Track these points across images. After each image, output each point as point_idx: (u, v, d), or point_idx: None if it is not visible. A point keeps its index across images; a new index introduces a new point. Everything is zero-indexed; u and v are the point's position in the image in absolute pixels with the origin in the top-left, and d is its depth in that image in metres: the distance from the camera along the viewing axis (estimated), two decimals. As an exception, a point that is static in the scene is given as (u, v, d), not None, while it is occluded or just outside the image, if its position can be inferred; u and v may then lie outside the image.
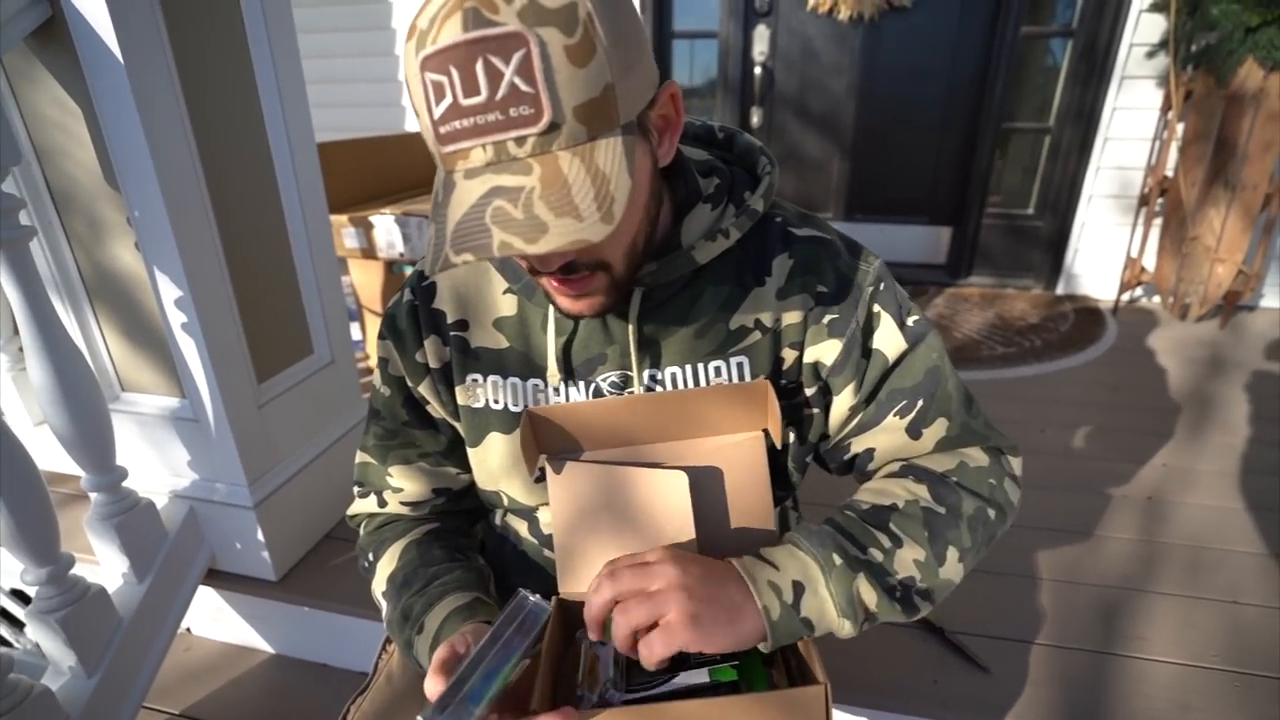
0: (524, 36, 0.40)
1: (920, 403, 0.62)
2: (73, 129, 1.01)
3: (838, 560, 0.54)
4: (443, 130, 0.43)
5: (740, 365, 0.62)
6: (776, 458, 0.65)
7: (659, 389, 0.62)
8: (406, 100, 3.14)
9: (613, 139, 0.44)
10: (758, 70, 2.86)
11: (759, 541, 0.59)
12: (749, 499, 0.60)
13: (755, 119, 2.96)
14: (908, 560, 0.56)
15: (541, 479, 0.64)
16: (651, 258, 0.57)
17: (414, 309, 0.66)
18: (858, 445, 0.65)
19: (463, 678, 0.47)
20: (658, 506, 0.58)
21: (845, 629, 0.53)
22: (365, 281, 2.01)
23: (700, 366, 0.62)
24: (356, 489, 0.74)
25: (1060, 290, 2.91)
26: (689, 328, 0.61)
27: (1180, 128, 2.42)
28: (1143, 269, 2.60)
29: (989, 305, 2.79)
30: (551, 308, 0.61)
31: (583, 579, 0.60)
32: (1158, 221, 2.61)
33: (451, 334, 0.65)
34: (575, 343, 0.62)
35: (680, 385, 0.62)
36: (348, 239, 1.89)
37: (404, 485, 0.71)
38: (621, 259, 0.53)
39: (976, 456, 0.63)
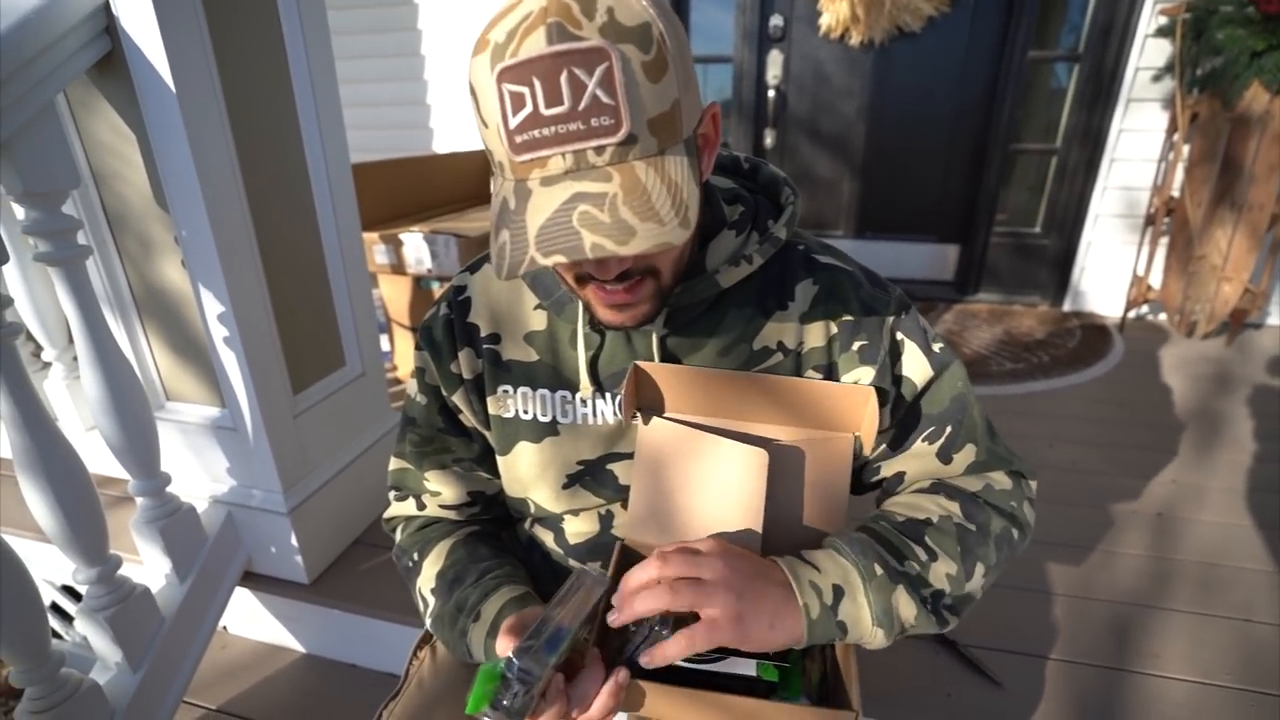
0: (607, 51, 0.41)
1: (949, 429, 0.62)
2: (127, 154, 1.04)
3: (878, 570, 0.54)
4: (519, 139, 0.43)
5: None
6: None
7: None
8: (434, 122, 3.18)
9: (678, 153, 0.46)
10: (771, 93, 2.87)
11: (831, 529, 0.59)
12: (825, 496, 0.59)
13: (769, 140, 2.97)
14: (941, 574, 0.56)
15: (570, 485, 0.65)
16: (664, 304, 0.58)
17: (450, 322, 0.67)
18: (888, 469, 0.65)
19: (536, 633, 0.49)
20: (734, 479, 0.58)
21: (878, 638, 0.53)
22: (394, 296, 2.04)
23: None
24: (393, 494, 0.75)
25: (1067, 307, 2.88)
26: (712, 348, 0.61)
27: (1186, 149, 2.40)
28: (1149, 287, 2.56)
29: (997, 321, 2.76)
30: (581, 323, 0.62)
31: (650, 532, 0.61)
32: (1164, 240, 2.58)
33: (485, 347, 0.65)
34: (602, 358, 0.63)
35: None
36: (378, 255, 1.92)
37: (441, 489, 0.71)
38: (670, 268, 0.54)
39: (1001, 479, 0.63)
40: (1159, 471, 1.66)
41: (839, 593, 0.52)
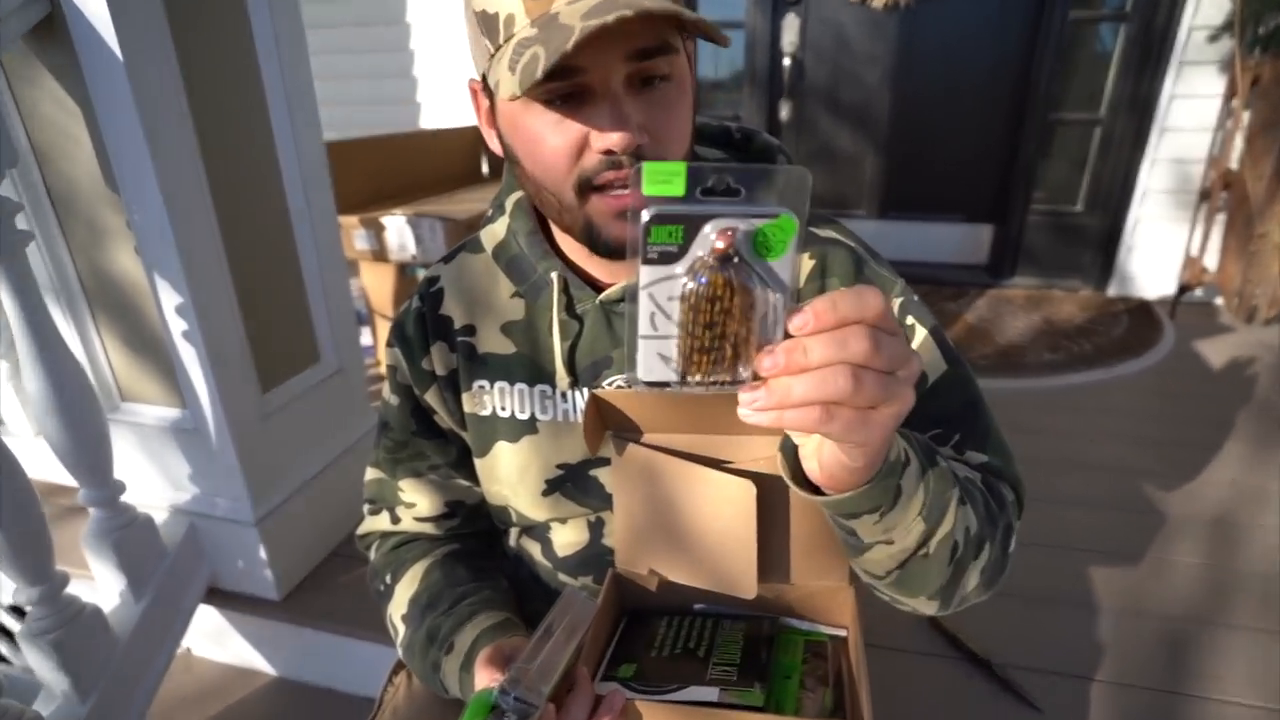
0: None
1: (958, 436, 0.58)
2: (71, 129, 1.01)
3: (940, 463, 0.47)
4: None
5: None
6: None
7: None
8: (421, 95, 3.15)
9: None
10: (786, 61, 2.82)
11: (828, 562, 0.59)
12: (820, 515, 0.56)
13: (784, 113, 2.92)
14: (966, 522, 0.49)
15: (550, 492, 0.64)
16: None
17: (422, 316, 0.66)
18: None
19: (528, 660, 0.47)
20: (721, 512, 0.58)
21: (908, 537, 0.45)
22: (376, 285, 2.01)
23: None
24: (367, 506, 0.74)
25: (1112, 292, 2.82)
26: None
27: (1246, 116, 2.33)
28: (1204, 269, 2.50)
29: (1034, 308, 2.71)
30: (556, 308, 0.60)
31: (640, 560, 0.61)
32: (1220, 218, 2.51)
33: (459, 339, 0.64)
34: (581, 345, 0.61)
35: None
36: (358, 241, 1.89)
37: (416, 500, 0.70)
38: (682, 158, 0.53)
39: (1007, 492, 0.58)
40: (1216, 472, 1.61)
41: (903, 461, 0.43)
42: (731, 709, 0.51)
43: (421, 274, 1.94)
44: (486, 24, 0.49)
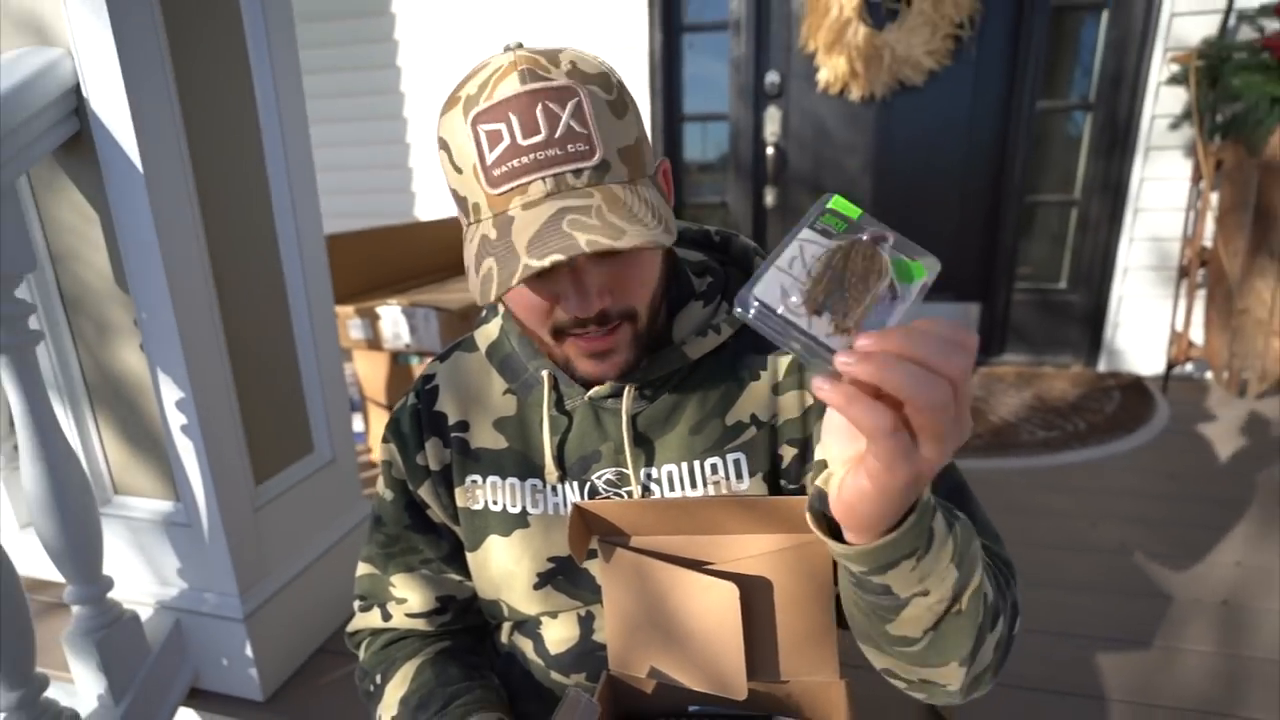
0: (574, 89, 0.49)
1: None
2: (88, 234, 1.08)
3: (961, 516, 0.49)
4: (498, 171, 0.49)
5: (737, 462, 0.63)
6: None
7: (655, 488, 0.64)
8: (416, 185, 3.31)
9: (647, 185, 0.54)
10: (770, 150, 3.00)
11: (817, 656, 0.60)
12: (807, 611, 0.60)
13: (769, 199, 3.08)
14: (984, 590, 0.51)
15: (543, 585, 0.66)
16: (644, 354, 0.60)
17: (417, 412, 0.69)
18: None
19: None
20: (708, 615, 0.60)
21: (943, 587, 0.45)
22: (370, 373, 2.06)
23: (696, 464, 0.63)
24: (358, 603, 0.75)
25: (1102, 367, 2.90)
26: (684, 424, 0.63)
27: (1214, 197, 2.48)
28: (1190, 343, 2.59)
29: (1026, 385, 2.78)
30: (546, 404, 0.64)
31: (634, 661, 0.63)
32: (1202, 293, 2.62)
33: (453, 435, 0.68)
34: (570, 439, 0.65)
35: (677, 483, 0.63)
36: (353, 330, 1.96)
37: (408, 595, 0.72)
38: (646, 310, 0.58)
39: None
40: (1221, 553, 1.63)
41: (935, 513, 0.45)
42: None
43: (415, 362, 2.00)
44: (459, 201, 0.55)
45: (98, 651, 1.07)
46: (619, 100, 0.52)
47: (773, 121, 2.96)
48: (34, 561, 1.30)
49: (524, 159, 0.48)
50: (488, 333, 0.69)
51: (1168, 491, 1.92)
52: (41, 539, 1.00)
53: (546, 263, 0.46)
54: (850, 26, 2.72)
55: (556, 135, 0.48)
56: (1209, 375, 2.76)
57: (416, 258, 2.41)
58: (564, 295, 0.53)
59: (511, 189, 0.49)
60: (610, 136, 0.50)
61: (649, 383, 0.62)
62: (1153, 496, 1.90)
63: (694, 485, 0.63)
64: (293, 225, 1.29)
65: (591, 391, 0.63)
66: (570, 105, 0.49)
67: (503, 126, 0.48)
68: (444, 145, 0.52)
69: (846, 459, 0.41)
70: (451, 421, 0.68)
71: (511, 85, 0.49)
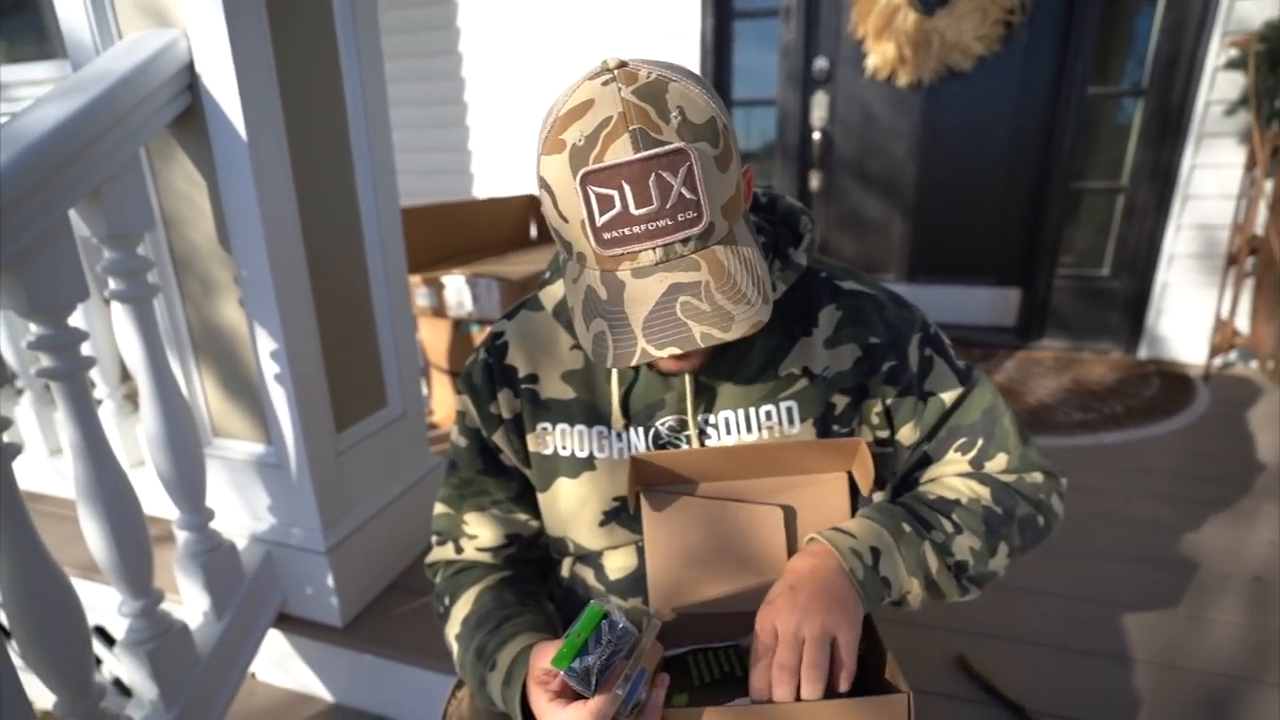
0: (687, 152, 0.48)
1: (980, 441, 0.69)
2: (197, 200, 1.16)
3: (905, 528, 0.64)
4: (608, 236, 0.49)
5: (790, 409, 0.67)
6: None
7: (713, 432, 0.68)
8: (475, 168, 3.37)
9: (742, 228, 0.54)
10: (816, 135, 2.97)
11: None
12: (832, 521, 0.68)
13: (814, 183, 3.05)
14: (964, 546, 0.65)
15: (607, 522, 0.70)
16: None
17: (488, 366, 0.74)
18: (925, 478, 0.73)
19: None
20: (753, 540, 0.65)
21: (914, 587, 0.63)
22: (433, 339, 2.14)
23: (752, 410, 0.67)
24: (435, 538, 0.81)
25: (1143, 354, 2.82)
26: (741, 374, 0.68)
27: (1269, 185, 2.38)
28: (1235, 332, 2.50)
29: (1064, 370, 2.72)
30: None
31: (677, 599, 0.66)
32: (1248, 282, 2.53)
33: (523, 387, 0.72)
34: (635, 390, 0.68)
35: (733, 428, 0.67)
36: (420, 298, 2.03)
37: (479, 532, 0.77)
38: None
39: (1033, 476, 0.70)
40: (1256, 531, 1.60)
41: (875, 553, 0.62)
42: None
43: (475, 329, 2.07)
44: (558, 237, 0.55)
45: (202, 573, 1.16)
46: (725, 151, 0.51)
47: (820, 107, 2.93)
48: (146, 498, 1.41)
49: (636, 229, 0.48)
50: (553, 293, 0.72)
51: (1204, 473, 1.88)
52: (158, 471, 1.09)
53: (664, 354, 0.49)
54: (900, 12, 2.67)
55: (668, 205, 0.48)
56: (1253, 365, 2.66)
57: (479, 232, 2.48)
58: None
59: (622, 254, 0.50)
60: (715, 195, 0.50)
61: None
62: (1188, 477, 1.86)
63: (749, 430, 0.67)
64: (372, 196, 1.35)
65: None
66: (682, 172, 0.48)
67: (615, 194, 0.48)
68: (546, 187, 0.52)
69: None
70: (522, 374, 0.72)
71: (624, 150, 0.47)
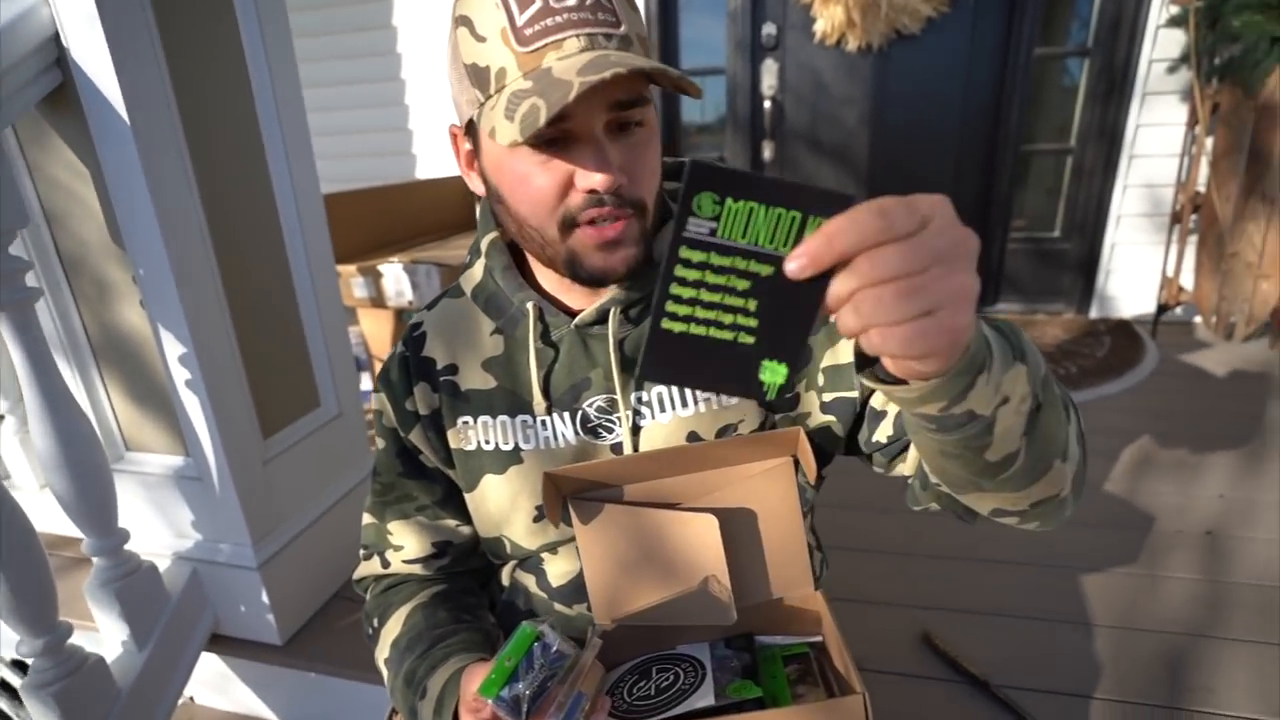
0: None
1: None
2: (81, 192, 1.04)
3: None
4: (530, 30, 0.49)
5: None
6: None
7: (646, 411, 0.63)
8: (416, 148, 3.23)
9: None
10: (767, 104, 2.90)
11: (795, 573, 0.61)
12: (781, 529, 0.62)
13: (767, 153, 3.00)
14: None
15: (541, 517, 0.65)
16: (648, 259, 0.59)
17: (405, 360, 0.69)
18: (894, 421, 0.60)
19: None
20: (689, 549, 0.60)
21: (1020, 381, 0.42)
22: (375, 331, 2.04)
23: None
24: (362, 552, 0.76)
25: (1094, 314, 2.86)
26: None
27: (1209, 142, 2.40)
28: (1180, 288, 2.54)
29: (1020, 332, 2.74)
30: (532, 337, 0.63)
31: (619, 612, 0.63)
32: (1192, 239, 2.56)
33: (441, 379, 0.67)
34: (557, 370, 0.64)
35: (668, 405, 0.63)
36: (356, 289, 1.93)
37: (404, 542, 0.72)
38: (650, 208, 0.57)
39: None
40: (1205, 486, 1.62)
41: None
42: (733, 710, 0.52)
43: (419, 318, 1.97)
44: (477, 76, 0.52)
45: (117, 600, 1.06)
46: None
47: (770, 74, 2.86)
48: (56, 519, 1.30)
49: (558, 18, 0.49)
50: (471, 276, 0.68)
51: (1154, 429, 1.90)
52: (55, 494, 0.98)
53: (608, 74, 0.45)
54: (846, -26, 2.60)
55: (588, 3, 0.49)
56: (1198, 320, 2.72)
57: (417, 216, 2.36)
58: (583, 164, 0.52)
59: (546, 44, 0.49)
60: (631, 19, 0.52)
61: (632, 303, 0.62)
62: (1140, 435, 1.88)
63: (685, 405, 0.63)
64: (289, 181, 1.25)
65: (578, 319, 0.62)
66: None
67: None
68: (463, 21, 0.52)
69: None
70: (440, 365, 0.67)
71: None
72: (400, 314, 1.99)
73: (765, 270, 0.33)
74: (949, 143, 2.87)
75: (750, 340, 0.34)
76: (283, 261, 1.28)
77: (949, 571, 1.37)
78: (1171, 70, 2.44)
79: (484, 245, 0.66)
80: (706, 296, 0.33)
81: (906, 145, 2.90)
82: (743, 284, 0.33)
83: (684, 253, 0.33)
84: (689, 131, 3.14)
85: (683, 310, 0.34)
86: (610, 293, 0.61)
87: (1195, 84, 2.30)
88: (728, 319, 0.34)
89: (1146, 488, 1.63)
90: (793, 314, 0.34)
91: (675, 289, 0.33)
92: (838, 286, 0.32)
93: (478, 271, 0.67)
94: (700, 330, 0.34)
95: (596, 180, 0.51)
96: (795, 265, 0.32)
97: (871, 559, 1.43)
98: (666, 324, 0.34)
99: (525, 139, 0.48)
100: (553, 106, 0.46)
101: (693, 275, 0.33)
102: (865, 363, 0.41)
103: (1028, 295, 2.97)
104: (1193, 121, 2.39)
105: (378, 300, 1.94)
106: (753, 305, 0.34)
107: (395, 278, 1.90)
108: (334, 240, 1.40)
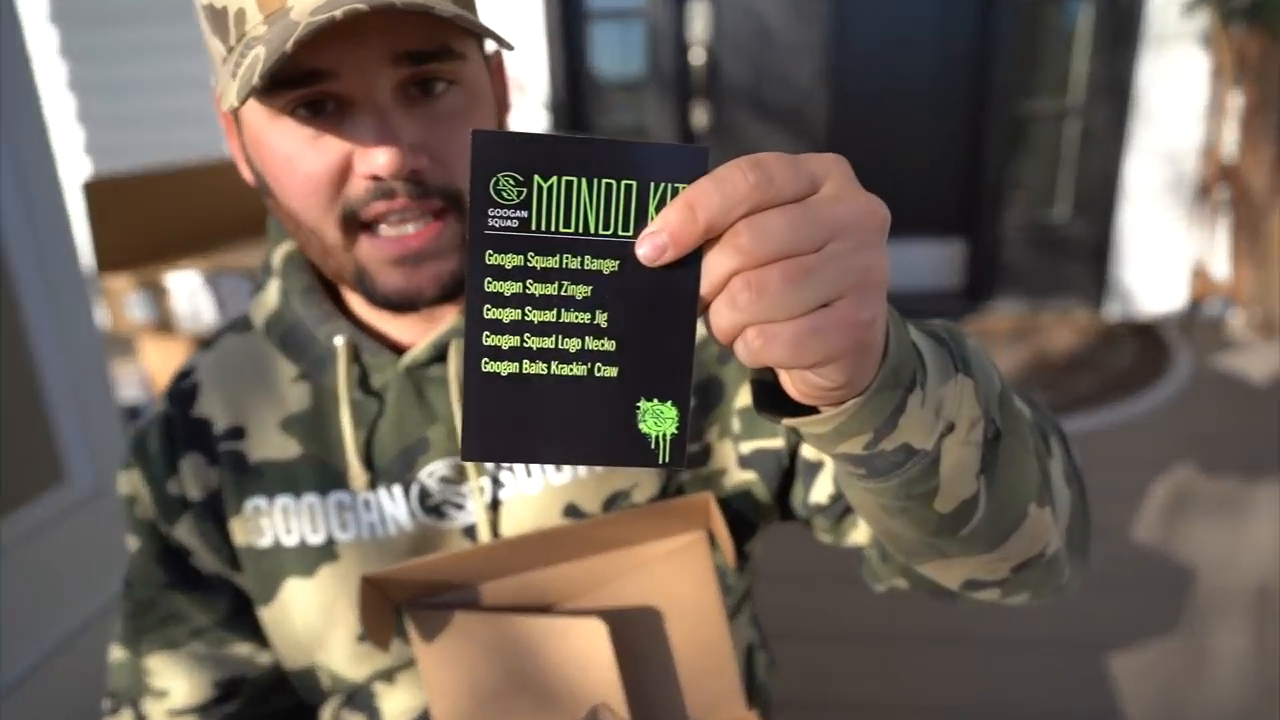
0: None
1: None
2: None
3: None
4: None
5: None
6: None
7: (507, 479, 0.63)
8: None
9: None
10: (698, 56, 2.95)
11: (719, 688, 0.61)
12: (697, 630, 0.61)
13: (700, 118, 3.04)
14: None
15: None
16: (438, 300, 0.58)
17: (168, 422, 0.65)
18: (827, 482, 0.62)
19: None
20: (571, 668, 0.60)
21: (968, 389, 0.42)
22: (165, 367, 1.94)
23: None
24: (107, 703, 0.70)
25: (1110, 312, 3.00)
26: None
27: (1235, 98, 2.55)
28: (1211, 279, 2.68)
29: (1022, 338, 2.85)
30: (343, 384, 0.61)
31: None
32: (1225, 218, 2.72)
33: (222, 447, 0.64)
34: (382, 429, 0.62)
35: (535, 469, 0.63)
36: (132, 309, 1.84)
37: (171, 684, 0.67)
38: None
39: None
40: (1255, 529, 1.68)
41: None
42: None
43: (227, 348, 1.89)
44: (215, 21, 0.50)
45: None
46: None
47: (700, 18, 2.92)
48: None
49: None
50: (265, 302, 0.65)
51: (1191, 458, 1.98)
52: None
53: (339, 13, 0.42)
54: (789, -110, 2.67)
55: None
56: (1233, 317, 2.87)
57: (221, 207, 2.27)
58: (361, 139, 0.49)
59: None
60: None
61: None
62: (1174, 466, 1.95)
63: (558, 469, 0.63)
64: (13, 171, 1.18)
65: (406, 358, 0.60)
66: None
67: None
68: None
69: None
70: (220, 429, 0.64)
71: None
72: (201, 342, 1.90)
73: (608, 266, 0.31)
74: (926, 102, 2.98)
75: (612, 372, 0.32)
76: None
77: (942, 661, 1.37)
78: (1190, 8, 2.59)
79: (277, 261, 0.64)
80: (536, 316, 0.32)
81: (875, 106, 3.00)
82: (581, 290, 0.32)
83: (491, 258, 0.31)
84: (603, 91, 3.16)
85: (506, 341, 0.32)
86: (450, 319, 0.59)
87: (1216, 26, 2.44)
88: (572, 344, 0.32)
89: (1183, 534, 1.68)
90: (662, 325, 0.32)
91: (490, 311, 0.31)
92: (713, 266, 0.31)
93: (272, 297, 0.64)
94: (537, 368, 0.32)
95: (378, 163, 0.49)
96: (649, 249, 0.31)
97: (842, 649, 1.41)
98: (488, 365, 0.32)
99: (241, 101, 0.45)
100: (271, 55, 0.43)
101: (510, 288, 0.31)
102: (766, 393, 0.39)
103: (1031, 290, 3.10)
104: (1216, 73, 2.53)
105: (164, 324, 1.85)
106: (603, 319, 0.32)
107: (190, 293, 1.82)
108: (98, 241, 1.34)
